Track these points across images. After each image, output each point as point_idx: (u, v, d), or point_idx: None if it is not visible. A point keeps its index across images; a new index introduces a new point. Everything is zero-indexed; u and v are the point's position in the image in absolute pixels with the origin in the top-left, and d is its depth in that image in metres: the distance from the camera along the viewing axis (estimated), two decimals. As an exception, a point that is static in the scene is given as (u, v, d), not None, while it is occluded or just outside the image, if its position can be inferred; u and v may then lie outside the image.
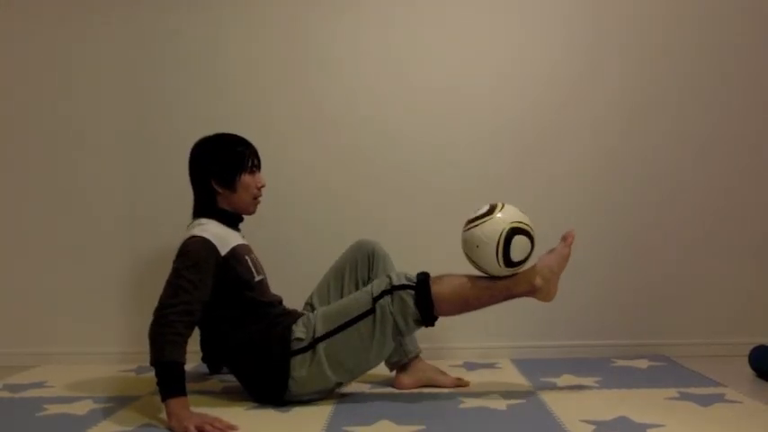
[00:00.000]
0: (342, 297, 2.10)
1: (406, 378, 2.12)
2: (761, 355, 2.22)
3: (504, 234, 1.87)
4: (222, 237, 1.97)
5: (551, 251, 1.99)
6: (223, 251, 1.94)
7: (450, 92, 2.56)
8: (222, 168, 2.02)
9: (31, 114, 2.60)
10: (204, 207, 2.05)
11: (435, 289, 1.90)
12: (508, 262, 1.89)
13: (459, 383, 2.14)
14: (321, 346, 1.92)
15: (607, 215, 2.56)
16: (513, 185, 2.52)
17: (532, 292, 1.94)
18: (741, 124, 2.55)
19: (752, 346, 2.27)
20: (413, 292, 1.90)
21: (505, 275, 1.92)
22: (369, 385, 2.17)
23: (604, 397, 2.00)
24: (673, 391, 2.03)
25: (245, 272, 1.99)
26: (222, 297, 1.94)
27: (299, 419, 1.84)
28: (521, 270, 1.93)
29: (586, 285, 2.54)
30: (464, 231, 1.94)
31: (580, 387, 2.11)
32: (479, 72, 2.56)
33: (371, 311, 1.91)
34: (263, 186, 2.09)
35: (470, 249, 1.92)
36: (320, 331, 1.93)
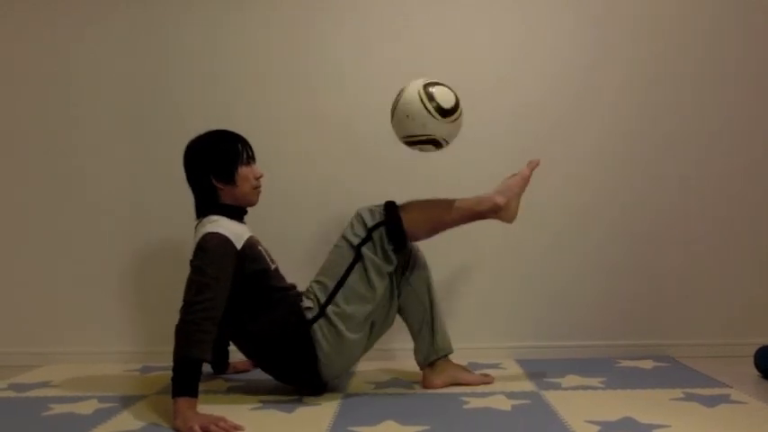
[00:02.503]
0: None
1: (435, 378, 2.13)
2: (766, 356, 2.21)
3: (421, 91, 1.92)
4: (235, 231, 1.98)
5: (513, 174, 2.07)
6: (239, 245, 1.96)
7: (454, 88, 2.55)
8: (219, 164, 2.04)
9: (30, 115, 2.60)
10: (208, 204, 2.05)
11: (405, 217, 1.98)
12: (442, 111, 1.92)
13: (485, 381, 2.16)
14: (330, 310, 1.97)
15: (612, 215, 2.55)
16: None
17: (495, 210, 2.04)
18: (746, 125, 2.54)
19: (757, 347, 2.26)
20: (384, 228, 1.97)
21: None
22: (373, 385, 2.17)
23: (609, 397, 2.00)
24: (678, 392, 2.03)
25: (261, 262, 2.02)
26: (242, 290, 1.96)
27: (303, 419, 1.85)
28: (460, 119, 1.96)
29: (591, 285, 2.54)
30: (392, 121, 1.99)
31: (585, 387, 2.11)
32: (481, 70, 2.55)
33: (358, 259, 1.98)
34: (261, 176, 2.10)
35: (406, 126, 1.95)
36: (322, 296, 1.99)
